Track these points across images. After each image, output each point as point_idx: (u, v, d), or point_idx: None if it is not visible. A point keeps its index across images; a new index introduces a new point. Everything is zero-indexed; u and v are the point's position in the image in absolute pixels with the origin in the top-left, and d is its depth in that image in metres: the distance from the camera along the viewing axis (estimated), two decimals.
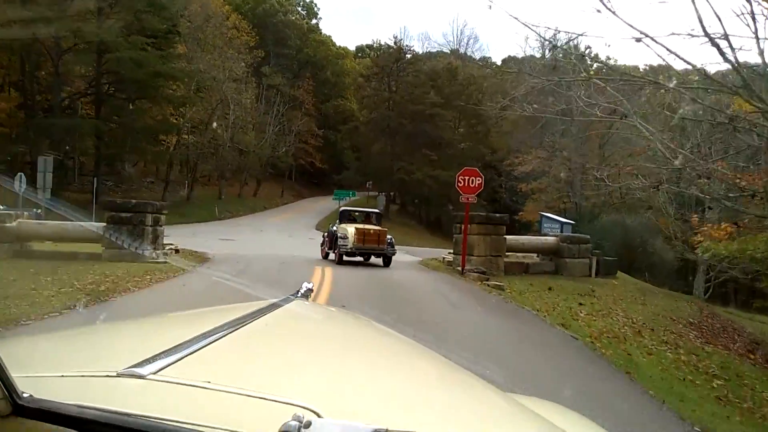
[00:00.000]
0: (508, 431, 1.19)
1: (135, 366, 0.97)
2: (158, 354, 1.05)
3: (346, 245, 16.01)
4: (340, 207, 20.28)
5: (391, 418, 0.85)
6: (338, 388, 1.15)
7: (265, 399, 0.92)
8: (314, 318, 2.00)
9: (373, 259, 17.54)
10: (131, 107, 37.40)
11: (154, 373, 0.96)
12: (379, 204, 36.88)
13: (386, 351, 1.73)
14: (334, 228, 17.65)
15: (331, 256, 17.34)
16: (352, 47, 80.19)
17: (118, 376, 0.94)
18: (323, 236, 19.31)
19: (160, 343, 1.17)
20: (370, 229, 16.37)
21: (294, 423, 0.76)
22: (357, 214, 18.87)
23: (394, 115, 49.85)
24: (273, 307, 1.75)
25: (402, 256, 22.82)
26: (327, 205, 50.64)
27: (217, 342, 1.23)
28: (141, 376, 0.94)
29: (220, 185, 43.88)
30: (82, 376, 0.95)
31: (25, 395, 0.79)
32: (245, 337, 1.40)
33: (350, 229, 16.11)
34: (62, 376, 0.88)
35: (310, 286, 2.17)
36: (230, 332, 1.33)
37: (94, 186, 26.97)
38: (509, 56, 58.03)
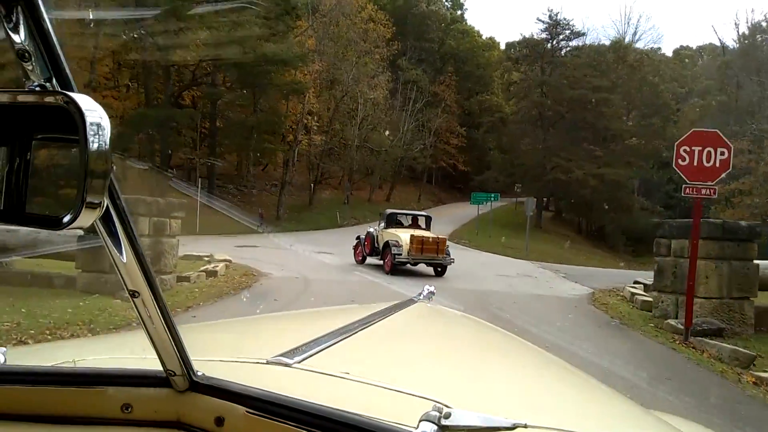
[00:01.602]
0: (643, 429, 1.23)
1: (281, 355, 1.07)
2: (301, 346, 1.15)
3: (400, 253, 14.40)
4: (385, 211, 17.78)
5: (527, 415, 0.81)
6: (470, 386, 1.20)
7: (401, 392, 0.97)
8: (438, 319, 2.08)
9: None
10: (246, 101, 33.77)
11: (299, 363, 1.05)
12: (527, 209, 29.40)
13: (513, 353, 1.78)
14: (374, 230, 16.46)
15: (371, 260, 15.89)
16: (499, 39, 72.92)
17: (267, 363, 1.04)
18: (358, 238, 17.30)
19: (301, 335, 1.27)
20: (428, 237, 14.87)
21: (434, 413, 0.77)
22: (404, 217, 17.18)
23: (548, 102, 41.89)
24: (397, 307, 1.86)
25: (560, 282, 15.89)
26: (467, 211, 44.10)
27: (350, 338, 1.34)
28: (287, 365, 1.03)
29: (346, 188, 39.28)
30: (236, 361, 1.06)
31: (199, 374, 0.87)
32: (375, 335, 1.52)
33: (404, 236, 14.66)
34: (220, 360, 0.96)
35: (432, 289, 2.19)
36: (361, 329, 1.45)
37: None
38: (681, 46, 49.29)
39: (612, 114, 41.64)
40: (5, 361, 0.94)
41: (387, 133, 45.35)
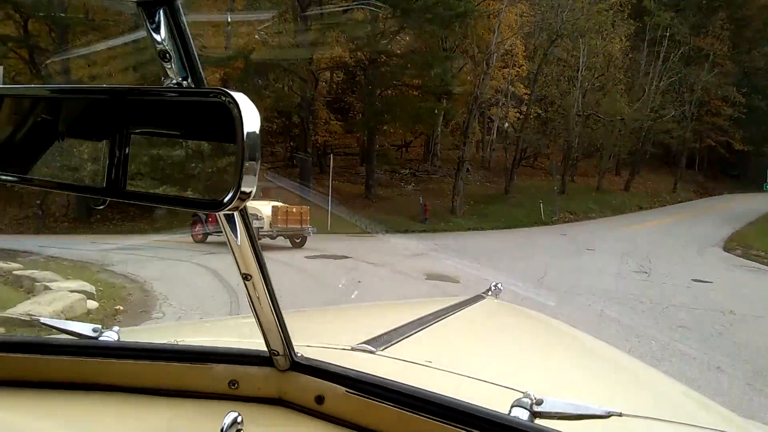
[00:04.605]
0: (716, 420, 1.23)
1: (365, 342, 1.12)
2: (382, 334, 1.20)
3: (262, 227, 13.40)
4: None
5: (615, 404, 0.79)
6: (554, 378, 1.22)
7: (485, 382, 1.00)
8: (509, 315, 2.09)
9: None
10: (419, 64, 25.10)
11: (382, 350, 1.10)
12: None
13: (592, 348, 1.80)
14: None
15: (213, 238, 14.25)
16: None
17: (353, 350, 1.09)
18: (195, 214, 14.49)
19: (380, 325, 1.33)
20: (291, 208, 14.15)
21: (526, 400, 0.77)
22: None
23: None
24: (467, 303, 1.88)
25: None
26: (752, 205, 29.96)
27: (427, 329, 1.38)
28: (371, 352, 1.08)
29: (553, 170, 28.43)
30: (324, 347, 1.08)
31: (298, 354, 0.91)
32: (450, 328, 1.54)
33: (264, 208, 13.69)
34: (307, 346, 0.98)
35: (499, 284, 2.21)
36: (436, 322, 1.48)
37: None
38: None
39: None
40: (119, 338, 0.99)
41: (625, 100, 33.22)
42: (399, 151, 33.84)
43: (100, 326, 1.01)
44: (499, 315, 2.01)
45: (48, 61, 20.05)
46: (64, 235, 18.33)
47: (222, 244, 14.29)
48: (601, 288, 9.12)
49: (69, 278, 7.49)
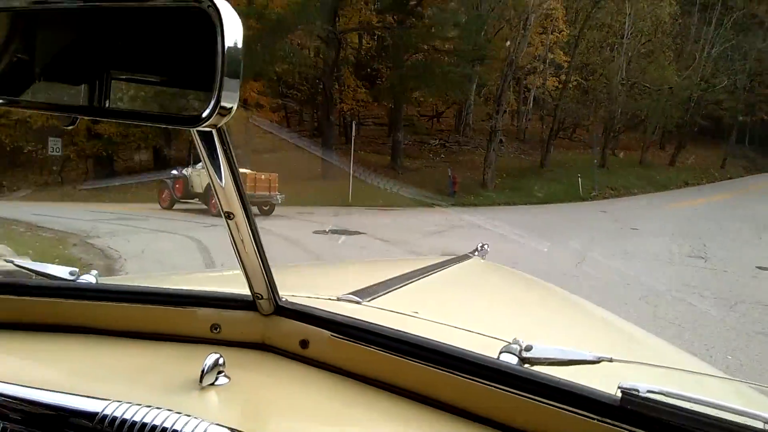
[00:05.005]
0: (699, 367, 1.23)
1: (351, 293, 1.11)
2: (369, 286, 1.20)
3: None
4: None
5: (603, 352, 0.79)
6: (541, 330, 1.22)
7: (471, 332, 0.98)
8: (495, 272, 2.08)
9: None
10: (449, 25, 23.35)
11: (368, 301, 1.09)
12: None
13: (575, 302, 1.84)
14: (188, 172, 15.14)
15: (180, 206, 15.10)
16: None
17: (338, 300, 1.08)
18: (166, 180, 15.61)
19: (367, 278, 1.29)
20: (260, 175, 14.08)
21: (515, 346, 0.77)
22: None
23: None
24: (453, 261, 1.91)
25: None
26: None
27: (414, 283, 1.39)
28: (357, 302, 1.08)
29: (594, 143, 26.53)
30: (309, 297, 1.05)
31: (283, 299, 0.90)
32: (437, 283, 1.56)
33: None
34: (292, 295, 0.95)
35: (486, 246, 2.25)
36: (423, 277, 1.51)
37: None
38: None
39: None
40: (97, 281, 0.98)
41: (672, 66, 30.90)
42: (430, 121, 32.35)
43: (77, 269, 0.99)
44: (485, 272, 2.02)
45: None
46: (79, 202, 17.56)
47: (204, 212, 13.88)
48: (653, 276, 7.76)
49: (24, 253, 6.52)
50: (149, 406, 0.67)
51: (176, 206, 15.35)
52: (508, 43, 23.40)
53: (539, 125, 30.55)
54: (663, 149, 35.59)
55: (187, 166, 15.61)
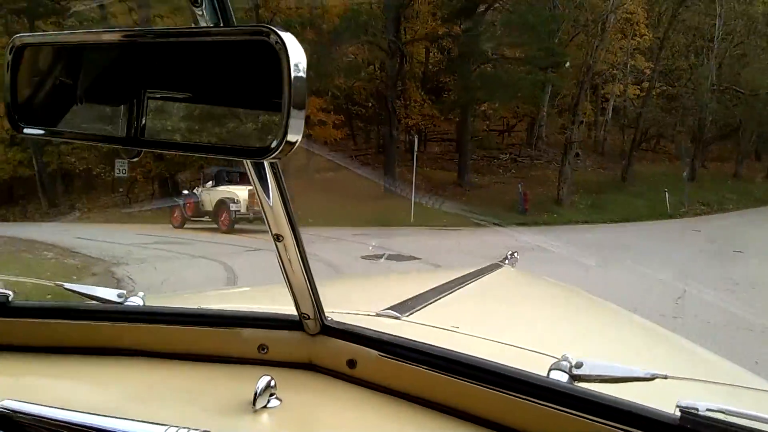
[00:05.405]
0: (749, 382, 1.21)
1: (390, 308, 1.11)
2: (405, 301, 1.19)
3: (239, 209, 14.32)
4: (212, 169, 16.61)
5: (653, 368, 0.77)
6: (584, 344, 1.19)
7: (514, 347, 0.97)
8: (527, 282, 2.08)
9: None
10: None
11: (407, 316, 1.10)
12: None
13: (616, 314, 1.78)
14: (198, 191, 16.17)
15: (190, 225, 15.81)
16: None
17: (378, 315, 1.09)
18: (177, 201, 16.60)
19: (403, 292, 1.29)
20: None
21: (565, 363, 0.75)
22: (233, 174, 15.79)
23: None
24: (485, 271, 1.87)
25: None
26: None
27: (449, 296, 1.39)
28: (396, 317, 1.08)
29: (683, 154, 24.19)
30: (348, 313, 1.04)
31: (328, 318, 0.89)
32: (471, 295, 1.55)
33: (240, 193, 14.40)
34: (332, 311, 0.95)
35: (516, 254, 2.18)
36: (457, 289, 1.49)
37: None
38: None
39: None
40: (144, 303, 0.99)
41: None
42: (500, 135, 30.89)
43: (124, 291, 0.99)
44: (517, 283, 2.01)
45: (72, 10, 19.30)
46: (135, 224, 17.42)
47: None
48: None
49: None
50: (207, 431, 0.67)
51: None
52: (582, 50, 21.79)
53: (619, 136, 28.52)
54: (759, 160, 32.45)
55: (198, 186, 16.34)
